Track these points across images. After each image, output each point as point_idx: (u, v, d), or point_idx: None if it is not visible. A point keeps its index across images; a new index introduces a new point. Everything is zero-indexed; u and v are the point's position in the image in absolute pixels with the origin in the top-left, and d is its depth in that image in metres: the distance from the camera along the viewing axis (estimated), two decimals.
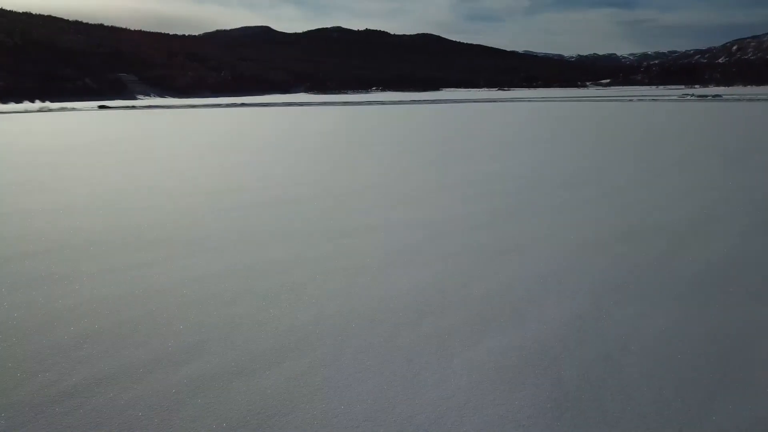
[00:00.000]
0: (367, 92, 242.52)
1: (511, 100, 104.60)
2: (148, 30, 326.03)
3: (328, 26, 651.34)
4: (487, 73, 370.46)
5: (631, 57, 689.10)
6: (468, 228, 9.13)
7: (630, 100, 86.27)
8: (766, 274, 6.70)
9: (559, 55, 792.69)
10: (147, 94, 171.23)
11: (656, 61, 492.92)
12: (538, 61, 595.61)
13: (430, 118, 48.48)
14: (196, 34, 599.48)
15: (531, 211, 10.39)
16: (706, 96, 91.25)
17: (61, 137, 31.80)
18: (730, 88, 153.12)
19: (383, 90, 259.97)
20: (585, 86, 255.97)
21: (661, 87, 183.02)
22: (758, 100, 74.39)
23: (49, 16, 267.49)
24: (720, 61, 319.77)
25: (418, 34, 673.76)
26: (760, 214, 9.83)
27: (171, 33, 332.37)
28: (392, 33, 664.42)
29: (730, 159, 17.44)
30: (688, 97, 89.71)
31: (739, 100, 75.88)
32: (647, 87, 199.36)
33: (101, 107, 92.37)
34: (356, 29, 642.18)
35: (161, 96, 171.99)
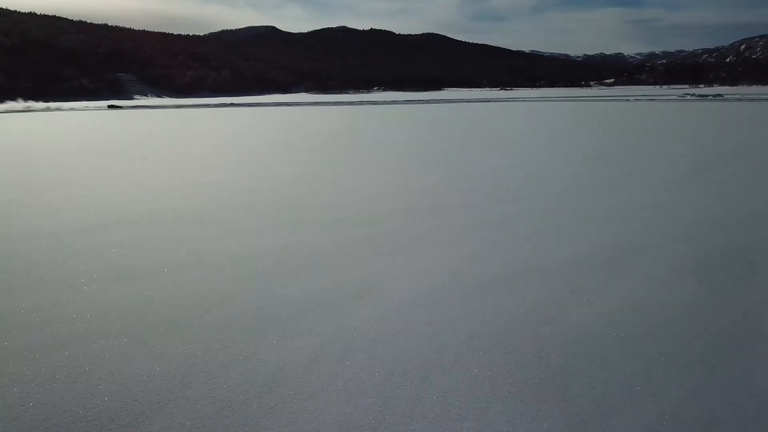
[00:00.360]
0: (368, 92, 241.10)
1: (507, 99, 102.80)
2: (151, 30, 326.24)
3: (333, 26, 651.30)
4: (491, 73, 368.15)
5: (638, 56, 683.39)
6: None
7: (627, 99, 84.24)
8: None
9: (566, 55, 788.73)
10: (144, 93, 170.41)
11: (663, 61, 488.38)
12: (544, 60, 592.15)
13: (410, 119, 46.67)
14: (202, 34, 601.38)
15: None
16: (707, 96, 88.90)
17: (64, 137, 30.42)
18: (735, 87, 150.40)
19: (385, 90, 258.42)
20: (589, 86, 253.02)
21: (665, 87, 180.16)
22: (759, 99, 72.11)
23: (52, 16, 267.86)
24: (728, 60, 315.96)
25: (423, 34, 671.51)
26: (680, 245, 7.98)
27: (174, 33, 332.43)
28: (397, 33, 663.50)
29: (690, 168, 15.56)
30: (688, 97, 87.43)
31: (740, 99, 73.65)
32: (651, 86, 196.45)
33: (111, 107, 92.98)
34: (361, 29, 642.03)
35: (159, 96, 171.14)
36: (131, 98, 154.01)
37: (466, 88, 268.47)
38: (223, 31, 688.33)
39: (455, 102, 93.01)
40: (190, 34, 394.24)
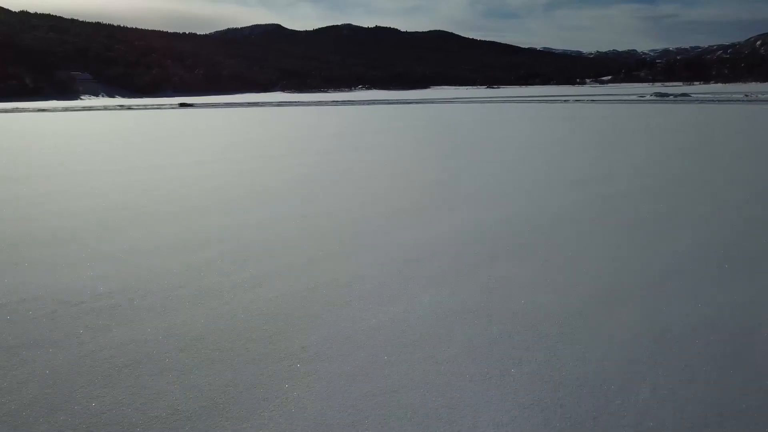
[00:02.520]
0: (349, 90, 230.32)
1: (476, 100, 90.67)
2: (145, 28, 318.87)
3: (339, 23, 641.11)
4: (491, 71, 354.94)
5: (651, 53, 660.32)
6: None
7: (577, 100, 71.87)
8: None
9: (578, 52, 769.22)
10: (96, 93, 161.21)
11: (678, 57, 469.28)
12: (551, 58, 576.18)
13: (331, 122, 36.65)
14: (207, 32, 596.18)
15: None
16: (668, 95, 75.88)
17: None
18: (728, 84, 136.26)
19: (369, 88, 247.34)
20: (584, 83, 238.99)
21: (658, 84, 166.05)
22: (726, 101, 59.51)
23: (34, 14, 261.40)
24: (744, 55, 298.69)
25: (430, 31, 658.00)
26: None
27: (170, 31, 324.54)
28: (403, 30, 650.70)
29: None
30: (647, 97, 74.89)
31: (702, 101, 60.81)
32: (642, 84, 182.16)
33: (16, 110, 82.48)
34: (366, 26, 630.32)
35: (111, 96, 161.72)
36: (77, 98, 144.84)
37: (456, 86, 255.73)
38: (228, 29, 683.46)
39: (421, 103, 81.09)
40: (195, 32, 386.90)
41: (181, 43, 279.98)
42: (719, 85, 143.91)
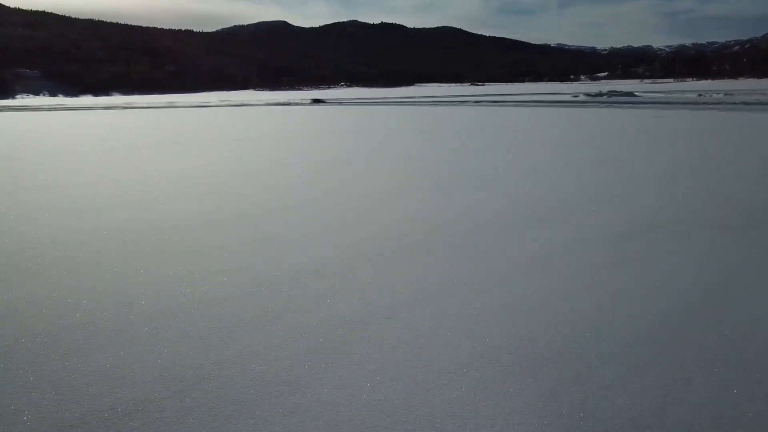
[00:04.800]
0: (328, 88, 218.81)
1: (439, 100, 78.18)
2: (144, 25, 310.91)
3: (345, 20, 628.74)
4: (491, 68, 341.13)
5: (667, 49, 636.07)
6: None
7: (535, 104, 58.98)
8: None
9: (592, 48, 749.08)
10: (38, 92, 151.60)
11: (693, 53, 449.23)
12: (559, 54, 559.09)
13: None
14: (214, 29, 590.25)
15: None
16: (602, 95, 61.95)
17: None
18: (718, 81, 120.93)
19: (350, 86, 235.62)
20: (579, 80, 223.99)
21: (647, 81, 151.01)
22: (676, 102, 46.31)
23: (15, 9, 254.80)
24: (745, 50, 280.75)
25: (437, 28, 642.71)
26: None
27: (155, 26, 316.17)
28: (409, 27, 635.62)
29: None
30: (579, 96, 61.41)
31: (636, 104, 47.37)
32: (633, 81, 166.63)
33: None
34: (371, 23, 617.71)
35: (54, 95, 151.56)
36: (11, 97, 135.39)
37: (443, 83, 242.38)
38: (235, 26, 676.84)
39: (381, 104, 68.48)
40: (191, 29, 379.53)
41: (160, 39, 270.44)
42: (706, 82, 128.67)
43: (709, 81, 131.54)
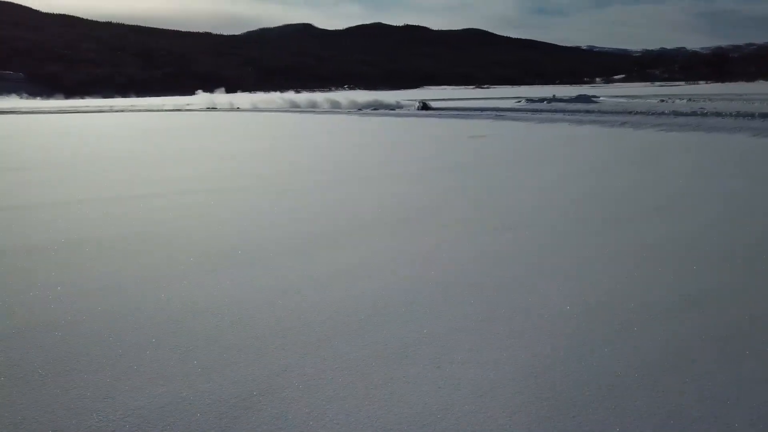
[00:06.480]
0: (325, 91, 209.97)
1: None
2: (153, 27, 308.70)
3: (369, 22, 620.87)
4: (503, 70, 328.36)
5: (702, 50, 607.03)
6: None
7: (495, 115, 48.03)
8: None
9: (624, 50, 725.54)
10: (10, 93, 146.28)
11: (733, 54, 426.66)
12: (585, 56, 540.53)
13: None
14: (240, 32, 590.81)
15: None
16: (543, 101, 49.96)
17: None
18: (728, 84, 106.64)
19: (353, 88, 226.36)
20: (594, 83, 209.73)
21: (658, 84, 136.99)
22: (608, 112, 34.91)
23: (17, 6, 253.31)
24: None
25: (461, 30, 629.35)
26: None
27: (154, 28, 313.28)
28: (435, 29, 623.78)
29: None
30: (521, 102, 49.71)
31: (574, 111, 35.91)
32: (640, 84, 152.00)
33: None
34: (395, 25, 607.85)
35: (31, 97, 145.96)
36: None
37: (452, 86, 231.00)
38: (262, 29, 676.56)
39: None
40: (222, 33, 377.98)
41: (163, 41, 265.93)
42: (716, 84, 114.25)
43: (720, 84, 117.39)
